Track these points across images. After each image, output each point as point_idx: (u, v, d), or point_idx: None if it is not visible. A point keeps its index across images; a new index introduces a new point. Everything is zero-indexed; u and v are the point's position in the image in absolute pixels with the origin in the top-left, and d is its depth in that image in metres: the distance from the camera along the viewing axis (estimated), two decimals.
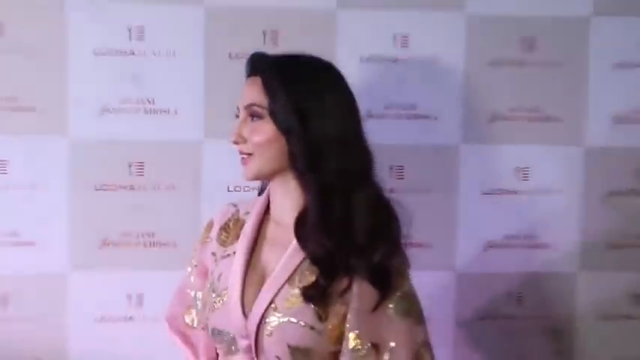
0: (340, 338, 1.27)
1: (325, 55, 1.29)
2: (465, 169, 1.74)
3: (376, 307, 1.24)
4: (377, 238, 1.26)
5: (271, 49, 1.48)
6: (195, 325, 1.50)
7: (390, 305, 1.24)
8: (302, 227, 1.28)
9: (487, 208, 1.76)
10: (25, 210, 1.67)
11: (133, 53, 1.66)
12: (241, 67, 1.30)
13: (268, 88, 1.26)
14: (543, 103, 1.75)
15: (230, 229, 1.43)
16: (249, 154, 1.28)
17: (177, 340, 1.51)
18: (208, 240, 1.45)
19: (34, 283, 1.68)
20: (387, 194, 1.29)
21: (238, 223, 1.42)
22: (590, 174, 1.78)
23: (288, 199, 1.32)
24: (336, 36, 1.68)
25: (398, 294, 1.25)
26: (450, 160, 1.72)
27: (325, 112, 1.27)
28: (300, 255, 1.29)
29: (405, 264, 1.29)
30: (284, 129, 1.25)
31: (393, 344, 1.24)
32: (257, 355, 1.31)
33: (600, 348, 1.80)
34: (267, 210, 1.38)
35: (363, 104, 1.29)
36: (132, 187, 1.68)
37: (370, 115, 1.66)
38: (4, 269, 1.67)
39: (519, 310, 1.77)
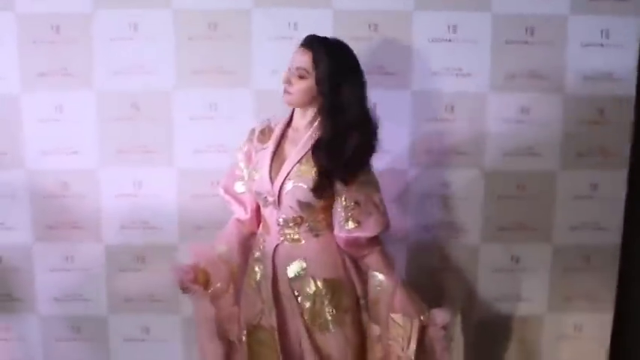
0: (329, 198, 2.11)
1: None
2: None
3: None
4: (358, 159, 2.06)
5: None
6: (242, 190, 2.28)
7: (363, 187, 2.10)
8: (316, 150, 2.07)
9: None
10: (232, 128, 2.60)
11: None
12: None
13: (316, 63, 2.03)
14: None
15: (265, 133, 2.23)
16: (291, 93, 2.08)
17: (230, 199, 2.31)
18: (252, 139, 2.25)
19: None
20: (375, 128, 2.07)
21: (271, 129, 2.23)
22: None
23: (303, 119, 2.15)
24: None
25: (365, 184, 2.11)
26: None
27: (347, 84, 2.04)
28: (304, 151, 2.09)
29: (371, 174, 2.13)
30: (321, 91, 2.05)
31: (363, 200, 2.10)
32: (279, 206, 2.14)
33: None
34: (288, 124, 2.20)
35: None
36: None
37: None
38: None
39: None
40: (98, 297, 2.80)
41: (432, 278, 2.75)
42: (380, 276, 2.17)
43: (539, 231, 2.77)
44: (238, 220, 2.33)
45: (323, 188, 2.09)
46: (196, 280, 2.23)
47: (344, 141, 2.05)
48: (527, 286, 2.81)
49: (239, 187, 2.31)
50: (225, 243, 2.30)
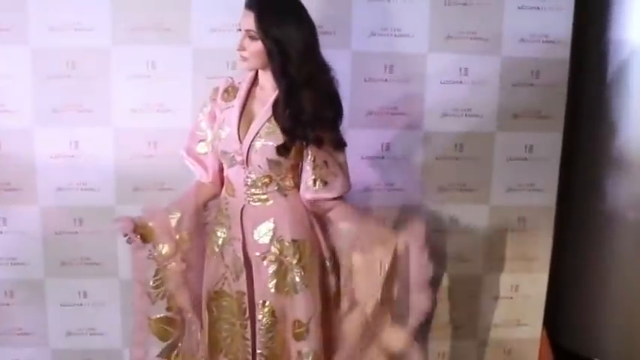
0: (298, 156, 2.10)
1: None
2: None
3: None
4: (318, 117, 2.02)
5: None
6: (204, 151, 2.23)
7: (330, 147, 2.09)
8: (275, 110, 2.05)
9: None
10: (171, 87, 2.60)
11: None
12: None
13: (259, 25, 1.97)
14: None
15: (230, 92, 2.17)
16: (246, 58, 2.05)
17: (192, 161, 2.25)
18: (216, 99, 2.18)
19: None
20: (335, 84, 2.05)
21: (235, 88, 2.17)
22: None
23: (268, 78, 2.09)
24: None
25: (333, 144, 2.09)
26: None
27: (292, 40, 1.97)
28: (272, 109, 2.05)
29: (338, 133, 2.09)
30: (268, 53, 2.00)
31: (330, 160, 2.10)
32: (247, 165, 2.11)
33: None
34: (253, 81, 2.15)
35: None
36: None
37: None
38: None
39: None
40: (33, 260, 2.74)
41: None
42: (346, 225, 2.16)
43: (477, 192, 2.81)
44: (200, 183, 2.28)
45: (289, 148, 2.07)
46: (136, 232, 2.15)
47: (300, 99, 2.02)
48: (465, 247, 2.85)
49: (201, 148, 2.25)
50: (179, 209, 2.22)
